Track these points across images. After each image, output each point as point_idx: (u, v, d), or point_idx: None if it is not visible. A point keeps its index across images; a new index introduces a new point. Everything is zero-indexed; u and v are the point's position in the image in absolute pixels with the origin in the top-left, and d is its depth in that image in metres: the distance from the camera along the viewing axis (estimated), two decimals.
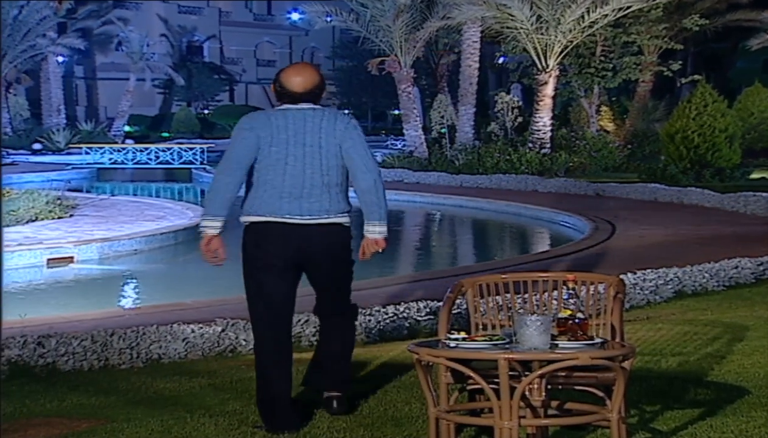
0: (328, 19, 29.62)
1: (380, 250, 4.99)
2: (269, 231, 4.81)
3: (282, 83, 4.86)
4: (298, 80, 4.84)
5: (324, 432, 4.70)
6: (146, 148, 31.88)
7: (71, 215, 15.82)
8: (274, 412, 4.78)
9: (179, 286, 11.36)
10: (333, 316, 5.11)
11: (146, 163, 30.86)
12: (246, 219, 4.86)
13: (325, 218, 4.84)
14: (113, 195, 21.39)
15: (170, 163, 30.74)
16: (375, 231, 4.94)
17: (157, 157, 30.90)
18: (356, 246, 5.03)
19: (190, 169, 29.97)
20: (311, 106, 4.87)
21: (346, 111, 56.42)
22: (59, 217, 15.35)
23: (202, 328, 6.91)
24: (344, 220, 4.92)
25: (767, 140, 28.76)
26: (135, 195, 22.99)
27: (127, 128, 48.47)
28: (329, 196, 4.83)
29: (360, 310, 7.43)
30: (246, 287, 4.91)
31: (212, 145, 34.81)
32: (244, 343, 6.90)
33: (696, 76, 26.91)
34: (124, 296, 11.13)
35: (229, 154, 4.85)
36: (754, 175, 21.89)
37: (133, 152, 31.35)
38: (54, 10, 44.72)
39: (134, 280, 12.03)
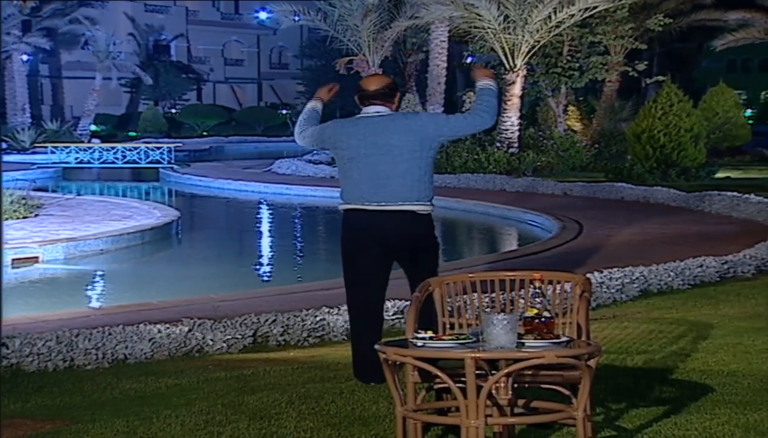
0: (296, 18, 29.57)
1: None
2: (353, 216, 5.49)
3: (360, 86, 5.67)
4: (370, 81, 5.66)
5: (291, 432, 4.69)
6: (113, 148, 31.63)
7: (36, 215, 15.67)
8: (366, 369, 5.39)
9: (145, 286, 11.31)
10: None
11: (113, 163, 30.62)
12: (340, 207, 5.59)
13: (400, 205, 5.40)
14: (79, 194, 21.21)
15: (137, 163, 30.52)
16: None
17: (124, 157, 30.66)
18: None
19: (157, 168, 29.76)
20: (381, 112, 5.53)
21: None
22: (24, 217, 15.21)
23: (168, 328, 6.89)
24: (418, 208, 5.43)
25: (732, 139, 29.06)
26: (101, 194, 22.80)
27: (93, 127, 48.08)
28: (402, 185, 5.39)
29: (328, 309, 7.52)
30: (342, 263, 5.58)
31: (179, 145, 34.60)
32: (210, 343, 6.88)
33: (661, 77, 27.10)
34: (90, 296, 11.05)
35: None
36: (719, 175, 22.09)
37: (100, 151, 31.09)
38: (18, 8, 44.30)
39: (100, 280, 11.94)
